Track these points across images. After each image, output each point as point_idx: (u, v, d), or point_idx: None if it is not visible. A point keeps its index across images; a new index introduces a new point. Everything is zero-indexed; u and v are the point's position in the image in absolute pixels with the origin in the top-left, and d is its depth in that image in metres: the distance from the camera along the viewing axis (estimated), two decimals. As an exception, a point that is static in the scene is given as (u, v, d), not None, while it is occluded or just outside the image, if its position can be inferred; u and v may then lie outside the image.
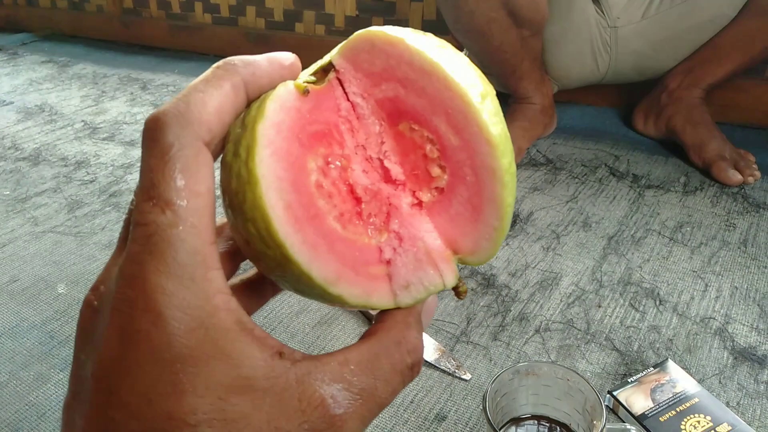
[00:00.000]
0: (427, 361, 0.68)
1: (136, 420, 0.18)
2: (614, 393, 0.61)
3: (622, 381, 0.63)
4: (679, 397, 0.60)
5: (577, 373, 0.50)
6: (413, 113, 0.23)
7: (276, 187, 0.20)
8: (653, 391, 0.61)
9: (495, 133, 0.22)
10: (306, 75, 0.24)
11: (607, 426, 0.49)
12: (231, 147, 0.21)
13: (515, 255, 0.87)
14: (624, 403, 0.60)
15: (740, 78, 1.23)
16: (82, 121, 1.43)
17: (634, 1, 1.17)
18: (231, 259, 0.25)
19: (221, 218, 0.24)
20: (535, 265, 0.85)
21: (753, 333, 0.71)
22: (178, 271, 0.18)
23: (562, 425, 0.52)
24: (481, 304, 0.77)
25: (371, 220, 0.24)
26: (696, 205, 1.00)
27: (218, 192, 0.20)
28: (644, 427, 0.58)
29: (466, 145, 0.22)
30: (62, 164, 1.20)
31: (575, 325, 0.73)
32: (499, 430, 0.52)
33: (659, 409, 0.59)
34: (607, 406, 0.62)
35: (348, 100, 0.24)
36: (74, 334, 0.72)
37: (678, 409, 0.59)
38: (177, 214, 0.19)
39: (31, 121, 1.43)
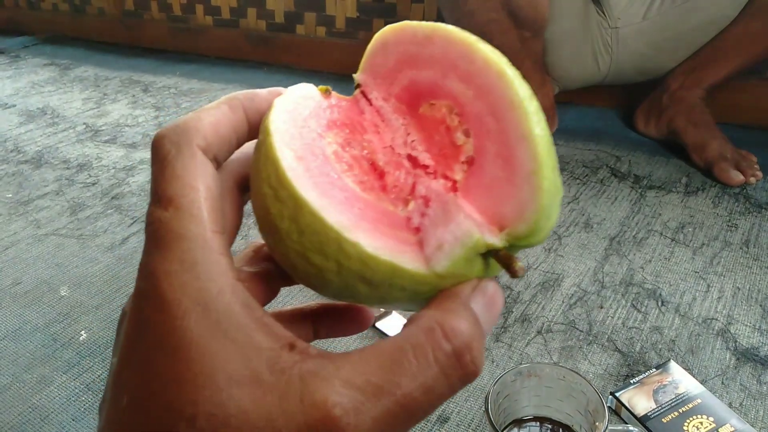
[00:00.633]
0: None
1: (140, 413, 0.18)
2: (617, 394, 0.61)
3: (625, 382, 0.63)
4: (681, 398, 0.60)
5: (579, 375, 0.50)
6: (428, 88, 0.23)
7: (287, 140, 0.21)
8: (656, 392, 0.61)
9: (502, 61, 0.21)
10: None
11: (609, 427, 0.49)
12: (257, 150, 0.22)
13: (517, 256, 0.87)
14: (626, 404, 0.60)
15: (741, 78, 1.23)
16: (84, 123, 1.43)
17: (635, 2, 1.17)
18: (264, 282, 0.24)
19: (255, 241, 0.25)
20: (537, 266, 0.85)
21: (756, 333, 0.71)
22: (181, 257, 0.19)
23: (565, 427, 0.52)
24: (483, 305, 0.77)
25: (398, 192, 0.22)
26: (698, 205, 1.00)
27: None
28: (647, 428, 0.58)
29: (479, 90, 0.21)
30: (64, 167, 1.20)
31: (577, 326, 0.73)
32: (502, 431, 0.52)
33: (662, 411, 0.59)
34: (609, 408, 0.62)
35: (371, 105, 0.24)
36: (77, 336, 0.72)
37: (680, 410, 0.59)
38: (178, 208, 0.19)
39: (33, 124, 1.43)
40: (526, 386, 0.52)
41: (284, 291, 0.72)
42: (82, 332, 0.75)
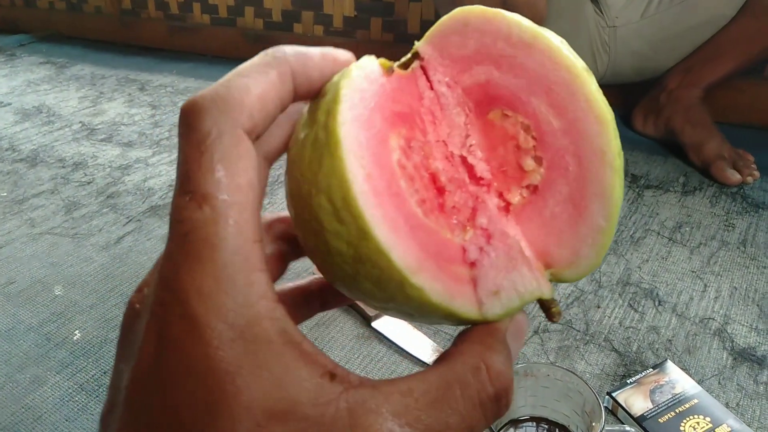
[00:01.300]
0: (425, 363, 0.67)
1: None
2: (613, 394, 0.61)
3: (621, 382, 0.63)
4: (678, 398, 0.60)
5: (576, 375, 0.50)
6: (507, 97, 0.21)
7: (357, 153, 0.18)
8: (652, 392, 0.61)
9: (606, 109, 0.19)
10: (380, 59, 0.21)
11: (605, 428, 0.49)
12: (304, 122, 0.20)
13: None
14: (623, 405, 0.60)
15: (739, 78, 1.23)
16: (80, 122, 1.43)
17: (633, 1, 1.17)
18: (279, 261, 0.23)
19: (269, 213, 0.23)
20: (534, 266, 0.84)
21: (752, 333, 0.71)
22: (216, 274, 0.16)
23: (561, 427, 0.52)
24: (480, 305, 0.77)
25: (454, 214, 0.20)
26: (695, 205, 1.00)
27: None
28: (643, 428, 0.58)
29: (571, 127, 0.19)
30: (60, 165, 1.20)
31: (574, 326, 0.73)
32: (498, 431, 0.51)
33: (658, 411, 0.59)
34: (606, 408, 0.62)
35: (432, 89, 0.21)
36: (70, 336, 0.71)
37: (677, 411, 0.59)
38: (215, 210, 0.17)
39: (28, 123, 1.43)
40: (523, 386, 0.52)
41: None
42: (76, 332, 0.74)
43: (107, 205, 1.04)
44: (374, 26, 1.64)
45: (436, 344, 0.69)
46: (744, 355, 0.68)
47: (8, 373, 0.68)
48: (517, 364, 0.64)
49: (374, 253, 0.18)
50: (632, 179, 1.08)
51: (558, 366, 0.51)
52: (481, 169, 0.21)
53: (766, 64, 1.27)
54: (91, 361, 0.70)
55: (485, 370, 0.18)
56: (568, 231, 0.20)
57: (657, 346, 0.70)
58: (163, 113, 1.47)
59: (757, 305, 0.76)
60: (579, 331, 0.72)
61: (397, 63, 0.21)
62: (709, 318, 0.74)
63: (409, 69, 0.21)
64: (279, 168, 0.99)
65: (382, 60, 0.21)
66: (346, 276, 0.19)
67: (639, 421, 0.58)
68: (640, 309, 0.76)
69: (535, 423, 0.53)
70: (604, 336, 0.71)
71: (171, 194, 1.13)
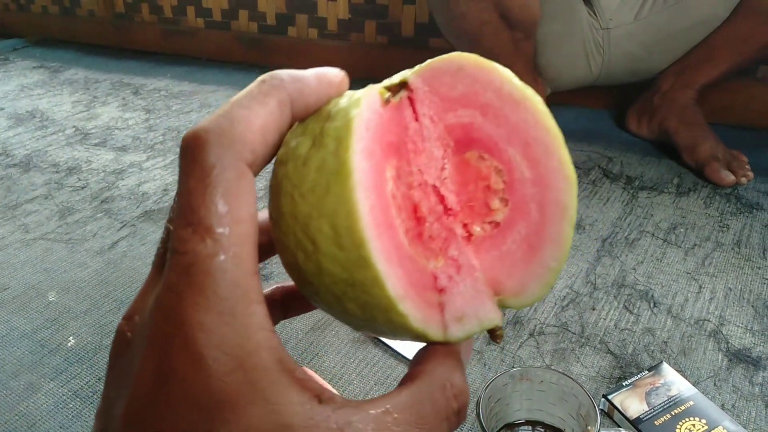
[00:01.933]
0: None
1: None
2: (609, 397, 0.61)
3: (617, 384, 0.63)
4: (674, 400, 0.60)
5: (571, 378, 0.49)
6: (486, 142, 0.22)
7: (365, 184, 0.19)
8: (648, 394, 0.61)
9: (573, 172, 0.22)
10: (379, 88, 0.23)
11: (601, 431, 0.49)
12: (300, 139, 0.20)
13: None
14: (619, 407, 0.60)
15: (733, 79, 1.23)
16: (74, 126, 1.42)
17: (626, 3, 1.18)
18: (274, 306, 0.25)
19: None
20: (529, 268, 0.84)
21: (747, 334, 0.71)
22: (218, 306, 0.17)
23: (557, 430, 0.52)
24: (475, 308, 0.77)
25: (430, 243, 0.22)
26: (689, 206, 1.00)
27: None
28: (639, 431, 0.58)
29: (540, 180, 0.22)
30: (53, 170, 1.19)
31: (570, 328, 0.73)
32: (494, 436, 0.51)
33: (654, 413, 0.59)
34: (602, 410, 0.62)
35: (417, 120, 0.23)
36: (65, 342, 0.70)
37: (673, 413, 0.59)
38: (218, 243, 0.17)
39: (21, 127, 1.42)
40: (518, 390, 0.52)
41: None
42: (71, 338, 0.74)
43: (101, 210, 1.04)
44: (368, 29, 1.64)
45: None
46: (739, 357, 0.68)
47: (2, 380, 0.68)
48: (513, 367, 0.65)
49: (369, 281, 0.19)
50: (627, 181, 1.09)
51: (553, 369, 0.51)
52: (452, 200, 0.23)
53: (760, 65, 1.27)
54: (85, 368, 0.70)
55: (450, 388, 0.20)
56: (521, 266, 0.22)
57: (652, 348, 0.70)
58: (158, 117, 1.47)
59: (752, 306, 0.76)
60: (574, 333, 0.72)
61: (383, 84, 0.23)
62: (704, 319, 0.74)
63: (398, 97, 0.23)
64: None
65: (381, 89, 0.22)
66: (331, 295, 0.20)
67: (635, 423, 0.58)
68: (635, 311, 0.76)
69: (530, 427, 0.53)
70: (599, 338, 0.71)
71: (165, 198, 1.12)
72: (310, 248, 0.20)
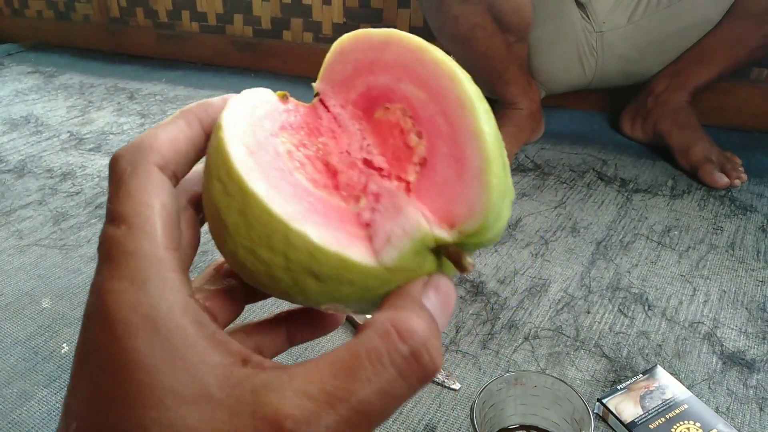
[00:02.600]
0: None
1: None
2: (604, 400, 0.61)
3: (612, 388, 0.63)
4: (668, 403, 0.60)
5: (566, 383, 0.50)
6: (383, 92, 0.23)
7: (239, 137, 0.21)
8: (642, 398, 0.61)
9: (453, 64, 0.21)
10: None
11: (595, 435, 0.49)
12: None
13: (504, 262, 0.87)
14: (613, 411, 0.60)
15: (726, 81, 1.24)
16: (68, 131, 1.42)
17: (619, 6, 1.18)
18: (228, 298, 0.24)
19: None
20: (524, 272, 0.84)
21: (741, 337, 0.71)
22: (130, 275, 0.18)
23: (551, 435, 0.52)
24: (470, 312, 0.77)
25: (348, 190, 0.22)
26: (683, 208, 1.00)
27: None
28: (634, 434, 0.58)
29: (432, 92, 0.22)
30: (48, 176, 1.19)
31: (564, 332, 0.73)
32: (488, 441, 0.51)
33: (649, 417, 0.59)
34: (596, 414, 0.62)
35: (329, 112, 0.25)
36: (58, 349, 0.70)
37: (667, 416, 0.59)
38: (130, 225, 0.19)
39: (16, 133, 1.42)
40: (512, 395, 0.52)
41: (258, 304, 0.71)
42: (64, 345, 0.74)
43: (96, 215, 1.04)
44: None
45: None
46: (733, 359, 0.68)
47: (-5, 388, 0.68)
48: (507, 372, 0.65)
49: (257, 212, 0.19)
50: (621, 183, 1.09)
51: (547, 374, 0.51)
52: (379, 161, 0.23)
53: (753, 67, 1.28)
54: (79, 375, 0.69)
55: (394, 332, 0.18)
56: (458, 185, 0.20)
57: (647, 352, 0.70)
58: (153, 122, 1.46)
59: (746, 308, 0.76)
60: (569, 337, 0.72)
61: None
62: (699, 322, 0.74)
63: (312, 102, 0.25)
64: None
65: (279, 92, 0.24)
66: (247, 252, 0.20)
67: (629, 427, 0.58)
68: (630, 314, 0.76)
69: (525, 431, 0.53)
70: (594, 342, 0.71)
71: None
72: (217, 214, 0.20)
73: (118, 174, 0.20)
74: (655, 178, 1.11)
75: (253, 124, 0.22)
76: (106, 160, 1.25)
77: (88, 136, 1.39)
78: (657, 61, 1.22)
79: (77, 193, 1.12)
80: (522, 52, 1.17)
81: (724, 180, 1.04)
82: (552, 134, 1.30)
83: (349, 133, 0.24)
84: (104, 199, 1.09)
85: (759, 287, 0.80)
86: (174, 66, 1.92)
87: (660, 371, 0.64)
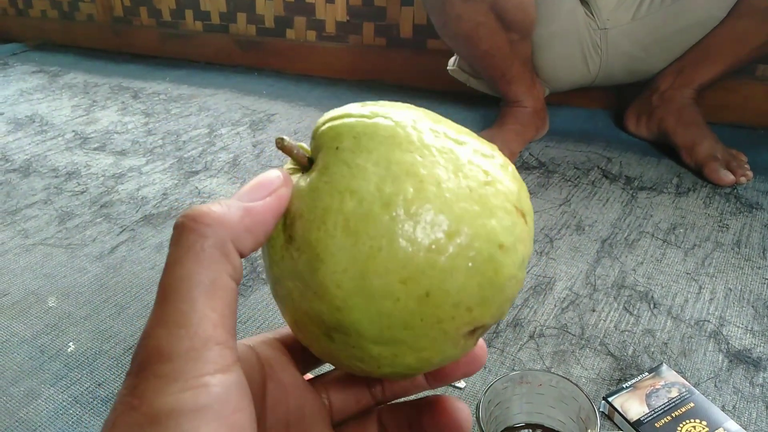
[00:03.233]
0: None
1: None
2: (609, 399, 0.61)
3: (617, 386, 0.63)
4: (674, 402, 0.60)
5: (571, 381, 0.49)
6: None
7: None
8: (648, 396, 0.61)
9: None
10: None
11: (601, 434, 0.49)
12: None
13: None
14: (619, 409, 0.60)
15: (731, 78, 1.23)
16: (73, 131, 1.42)
17: (623, 3, 1.17)
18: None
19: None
20: (529, 270, 0.84)
21: (748, 335, 0.71)
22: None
23: (557, 433, 0.52)
24: (475, 310, 0.76)
25: None
26: (689, 206, 1.00)
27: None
28: (640, 433, 0.58)
29: None
30: (53, 175, 1.19)
31: (570, 330, 0.73)
32: (494, 439, 0.51)
33: (654, 415, 0.59)
34: (602, 413, 0.62)
35: None
36: (64, 348, 0.70)
37: (673, 415, 0.59)
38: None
39: (21, 132, 1.42)
40: (518, 393, 0.51)
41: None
42: (70, 344, 0.74)
43: (101, 214, 1.04)
44: (366, 31, 1.64)
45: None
46: (740, 357, 0.68)
47: (1, 386, 0.68)
48: (512, 371, 0.64)
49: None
50: (626, 181, 1.09)
51: (553, 372, 0.51)
52: None
53: (758, 64, 1.27)
54: (85, 374, 0.69)
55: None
56: None
57: (652, 350, 0.70)
58: (157, 121, 1.47)
59: (752, 306, 0.76)
60: (575, 335, 0.72)
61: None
62: (705, 320, 0.74)
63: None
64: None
65: None
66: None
67: (635, 425, 0.58)
68: (635, 312, 0.76)
69: (530, 430, 0.53)
70: (599, 340, 0.71)
71: (164, 202, 1.12)
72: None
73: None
74: (660, 175, 1.10)
75: None
76: (110, 159, 1.26)
77: (92, 135, 1.40)
78: (661, 59, 1.22)
79: (82, 192, 1.12)
80: (526, 50, 1.17)
81: (729, 177, 1.04)
82: (556, 132, 1.29)
83: None
84: (109, 198, 1.09)
85: (765, 285, 0.80)
86: (177, 65, 1.93)
87: (666, 369, 0.64)
